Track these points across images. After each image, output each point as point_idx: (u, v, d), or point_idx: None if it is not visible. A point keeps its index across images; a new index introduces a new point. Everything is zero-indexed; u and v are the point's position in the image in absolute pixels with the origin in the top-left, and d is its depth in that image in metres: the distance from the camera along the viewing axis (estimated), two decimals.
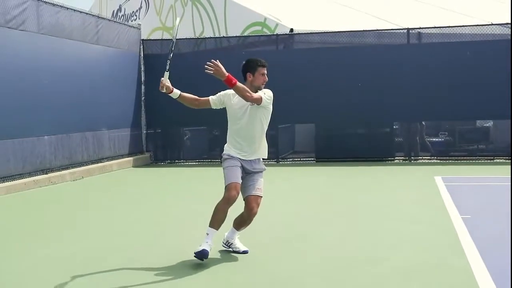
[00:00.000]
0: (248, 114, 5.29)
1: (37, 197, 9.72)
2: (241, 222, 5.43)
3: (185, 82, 13.92)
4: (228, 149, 5.40)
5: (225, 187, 5.20)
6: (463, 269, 4.84)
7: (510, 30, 13.29)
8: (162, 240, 6.38)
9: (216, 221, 5.16)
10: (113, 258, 5.56)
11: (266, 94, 5.30)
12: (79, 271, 5.13)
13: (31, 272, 5.21)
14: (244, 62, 5.37)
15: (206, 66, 5.07)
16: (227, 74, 5.03)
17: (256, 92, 5.23)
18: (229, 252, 5.54)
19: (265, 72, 5.32)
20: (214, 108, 5.47)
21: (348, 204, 8.37)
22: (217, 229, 5.17)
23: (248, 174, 5.33)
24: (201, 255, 5.00)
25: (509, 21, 13.57)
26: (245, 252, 5.50)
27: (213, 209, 5.19)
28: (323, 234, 6.37)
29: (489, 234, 6.09)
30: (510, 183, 8.59)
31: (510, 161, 12.44)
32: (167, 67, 5.36)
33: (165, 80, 5.30)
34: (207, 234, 5.14)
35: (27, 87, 10.62)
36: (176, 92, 5.36)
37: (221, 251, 5.60)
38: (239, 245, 5.56)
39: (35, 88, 10.83)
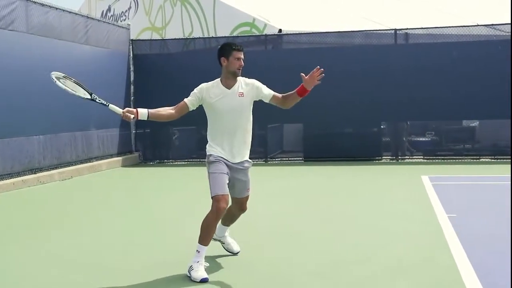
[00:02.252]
0: (238, 106, 4.90)
1: (26, 197, 9.70)
2: (231, 218, 5.27)
3: (174, 82, 14.11)
4: (212, 149, 4.99)
5: (212, 198, 4.77)
6: (449, 267, 4.91)
7: (495, 30, 13.45)
8: (151, 238, 6.41)
9: (207, 238, 4.76)
10: (102, 257, 5.60)
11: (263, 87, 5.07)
12: (68, 270, 5.16)
13: (19, 271, 5.21)
14: (218, 48, 4.99)
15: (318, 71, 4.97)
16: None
17: (234, 79, 4.92)
18: (216, 250, 5.51)
19: (241, 56, 4.89)
20: (192, 109, 5.05)
21: (336, 203, 8.43)
22: (207, 245, 4.79)
23: (235, 171, 4.96)
24: (204, 281, 4.64)
25: (495, 22, 13.74)
26: (237, 253, 5.39)
27: (201, 225, 4.76)
28: (312, 233, 6.41)
29: (475, 232, 6.16)
30: (510, 183, 8.59)
31: (510, 161, 12.34)
32: (105, 103, 5.15)
33: (117, 109, 4.99)
34: (198, 252, 4.74)
35: (16, 87, 10.61)
36: (143, 113, 4.89)
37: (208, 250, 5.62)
38: (232, 244, 5.42)
39: (24, 88, 10.81)
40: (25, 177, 10.70)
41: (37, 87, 11.14)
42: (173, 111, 5.00)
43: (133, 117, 4.86)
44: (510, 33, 13.14)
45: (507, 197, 8.48)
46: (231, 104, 4.88)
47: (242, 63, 4.91)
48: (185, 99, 5.01)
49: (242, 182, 5.03)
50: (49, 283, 4.86)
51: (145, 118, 4.93)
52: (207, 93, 4.92)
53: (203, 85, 4.98)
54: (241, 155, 4.98)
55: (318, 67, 4.90)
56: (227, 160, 4.92)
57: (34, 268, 5.29)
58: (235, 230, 5.61)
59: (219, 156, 4.91)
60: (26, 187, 10.46)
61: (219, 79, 4.97)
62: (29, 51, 11.01)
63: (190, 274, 4.71)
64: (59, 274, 5.06)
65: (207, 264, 4.87)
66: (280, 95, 5.18)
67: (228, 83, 4.93)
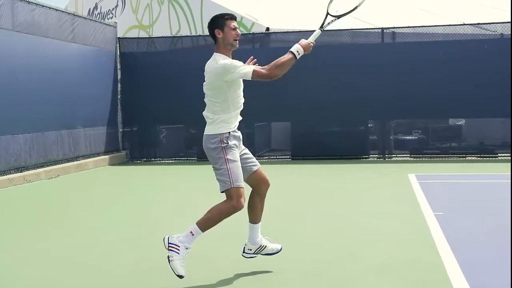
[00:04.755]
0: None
1: (12, 195, 9.65)
2: (260, 206, 4.80)
3: (162, 80, 14.09)
4: (228, 126, 4.52)
5: (232, 189, 4.40)
6: (436, 265, 4.93)
7: (481, 30, 13.57)
8: (137, 237, 6.41)
9: (211, 225, 4.46)
10: (86, 255, 5.59)
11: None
12: (53, 268, 5.16)
13: (5, 271, 5.20)
14: (209, 22, 4.65)
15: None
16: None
17: (230, 51, 4.60)
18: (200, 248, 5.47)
19: (236, 25, 4.60)
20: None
21: (323, 201, 8.46)
22: (203, 232, 4.48)
23: (239, 141, 4.65)
24: (180, 277, 4.41)
25: (481, 22, 13.85)
26: (280, 249, 4.94)
27: (212, 212, 4.45)
28: (300, 231, 6.44)
29: (461, 230, 6.20)
30: (510, 182, 8.59)
31: (509, 159, 12.41)
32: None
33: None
34: (192, 234, 4.41)
35: (2, 85, 10.55)
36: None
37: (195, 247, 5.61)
38: (271, 244, 4.93)
39: (10, 86, 10.76)
40: (11, 175, 10.63)
41: (23, 85, 11.09)
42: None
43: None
44: (497, 33, 13.27)
45: (494, 195, 8.58)
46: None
47: (239, 32, 4.64)
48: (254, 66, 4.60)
49: (247, 151, 4.74)
50: (35, 282, 4.84)
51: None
52: None
53: (229, 59, 4.55)
54: None
55: (252, 57, 4.77)
56: (235, 132, 4.56)
57: (18, 267, 5.27)
58: (222, 230, 5.59)
59: (232, 137, 4.50)
60: (12, 186, 10.40)
61: (221, 54, 4.56)
62: (15, 49, 10.94)
63: (171, 259, 4.38)
64: (45, 272, 5.04)
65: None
66: None
67: (230, 56, 4.63)
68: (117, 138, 14.84)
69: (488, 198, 8.31)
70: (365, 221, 6.87)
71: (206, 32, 15.72)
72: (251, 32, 15.39)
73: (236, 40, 4.59)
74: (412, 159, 13.77)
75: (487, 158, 13.30)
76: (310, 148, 14.09)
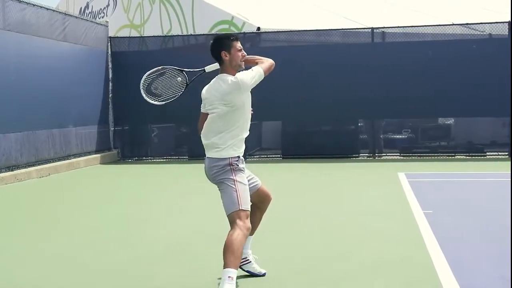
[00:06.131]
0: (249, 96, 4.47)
1: (3, 194, 9.63)
2: (258, 221, 4.75)
3: None
4: (238, 150, 4.37)
5: (240, 211, 4.22)
6: (425, 263, 4.96)
7: (469, 30, 13.70)
8: (127, 236, 6.44)
9: (239, 258, 4.17)
10: (76, 254, 5.62)
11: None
12: (45, 268, 5.18)
13: None
14: (212, 41, 4.46)
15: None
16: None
17: (236, 71, 4.41)
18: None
19: (241, 46, 4.44)
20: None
21: (314, 200, 8.49)
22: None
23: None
24: None
25: (470, 22, 13.98)
26: (263, 274, 4.73)
27: (231, 247, 4.09)
28: (290, 230, 6.46)
29: (450, 229, 6.26)
30: (510, 181, 8.62)
31: (497, 157, 12.53)
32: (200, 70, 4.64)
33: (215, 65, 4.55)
34: (231, 278, 4.03)
35: None
36: None
37: (182, 250, 5.64)
38: (256, 264, 4.77)
39: (1, 84, 10.76)
40: (2, 174, 10.63)
41: (14, 84, 11.09)
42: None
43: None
44: (486, 33, 13.40)
45: (482, 194, 8.68)
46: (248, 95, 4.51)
47: (244, 53, 4.48)
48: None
49: (249, 172, 4.60)
50: (26, 280, 4.86)
51: None
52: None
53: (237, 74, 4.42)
54: None
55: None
56: (242, 157, 4.44)
57: (9, 266, 5.29)
58: (213, 231, 5.61)
59: (241, 160, 4.37)
60: (3, 185, 10.39)
61: (228, 74, 4.37)
62: (6, 48, 10.94)
63: None
64: (36, 271, 5.07)
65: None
66: None
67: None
68: (108, 137, 14.85)
69: (476, 197, 8.39)
70: (355, 219, 6.91)
71: (198, 31, 15.65)
72: (242, 31, 15.43)
73: (242, 61, 4.45)
74: (401, 158, 13.86)
75: (476, 157, 13.42)
76: (300, 147, 14.17)
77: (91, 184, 11.12)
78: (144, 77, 4.60)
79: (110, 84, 14.82)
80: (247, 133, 4.44)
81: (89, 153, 13.87)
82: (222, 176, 4.29)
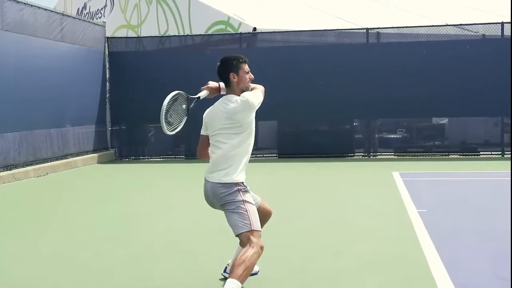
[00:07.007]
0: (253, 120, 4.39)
1: (0, 193, 9.66)
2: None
3: (150, 79, 14.19)
4: (242, 175, 4.31)
5: (252, 231, 4.16)
6: (419, 262, 4.99)
7: (463, 30, 13.81)
8: (123, 236, 6.48)
9: (247, 275, 4.05)
10: (73, 253, 5.64)
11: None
12: (43, 267, 5.21)
13: None
14: (220, 63, 4.35)
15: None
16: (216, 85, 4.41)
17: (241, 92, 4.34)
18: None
19: (249, 69, 4.38)
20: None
21: (309, 199, 8.52)
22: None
23: None
24: None
25: (463, 23, 14.10)
26: (256, 273, 4.67)
27: (245, 263, 3.99)
28: (286, 228, 6.45)
29: (444, 227, 6.29)
30: (510, 181, 8.64)
31: (509, 158, 12.49)
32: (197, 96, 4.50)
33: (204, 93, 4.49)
34: None
35: None
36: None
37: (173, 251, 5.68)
38: None
39: None
40: (0, 173, 10.68)
41: (12, 84, 11.15)
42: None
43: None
44: (479, 34, 13.51)
45: (476, 193, 8.73)
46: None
47: (252, 75, 4.41)
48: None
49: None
50: (24, 279, 4.91)
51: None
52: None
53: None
54: None
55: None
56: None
57: (6, 265, 5.32)
58: (210, 229, 5.60)
59: (245, 184, 4.34)
60: (1, 184, 10.44)
61: (234, 95, 4.31)
62: (4, 48, 11.01)
63: None
64: (33, 270, 5.10)
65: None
66: None
67: None
68: (105, 136, 14.92)
69: (470, 196, 8.44)
70: (350, 218, 6.94)
71: (194, 32, 15.67)
72: (238, 32, 15.53)
73: (249, 84, 4.39)
74: (396, 157, 13.94)
75: (469, 156, 13.54)
76: (296, 146, 14.27)
77: (88, 183, 11.15)
78: (165, 105, 4.45)
79: (108, 84, 14.90)
80: (249, 156, 4.37)
81: (87, 152, 13.94)
82: (230, 198, 4.20)
